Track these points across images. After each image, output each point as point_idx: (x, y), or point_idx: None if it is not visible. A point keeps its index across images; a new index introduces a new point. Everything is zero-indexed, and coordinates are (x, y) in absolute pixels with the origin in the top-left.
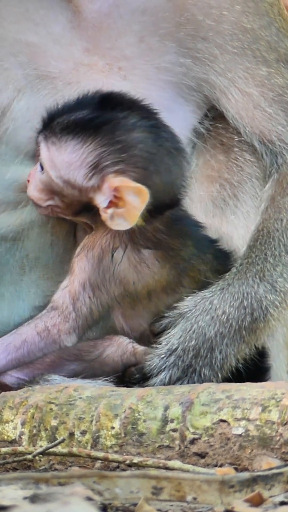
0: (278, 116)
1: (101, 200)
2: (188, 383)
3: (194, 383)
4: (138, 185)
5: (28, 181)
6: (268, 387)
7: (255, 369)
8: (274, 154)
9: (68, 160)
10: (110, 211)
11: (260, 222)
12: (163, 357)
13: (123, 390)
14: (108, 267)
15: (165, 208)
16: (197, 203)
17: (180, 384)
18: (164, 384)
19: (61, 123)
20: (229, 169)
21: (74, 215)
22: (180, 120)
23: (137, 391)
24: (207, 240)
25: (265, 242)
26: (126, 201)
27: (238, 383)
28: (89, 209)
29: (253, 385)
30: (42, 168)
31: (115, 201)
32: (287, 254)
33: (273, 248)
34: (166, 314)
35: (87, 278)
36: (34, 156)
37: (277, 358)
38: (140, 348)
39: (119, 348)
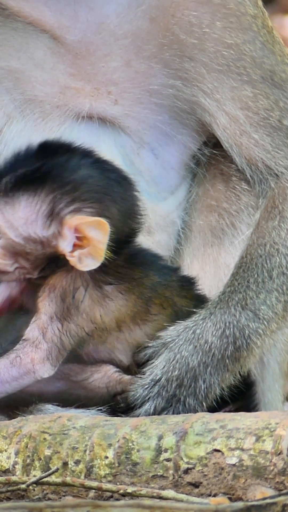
0: (264, 142)
1: (64, 245)
2: (173, 413)
3: (179, 413)
4: (97, 218)
5: None
6: (262, 417)
7: (240, 396)
8: (261, 180)
9: (23, 216)
10: (76, 253)
11: (244, 249)
12: (147, 387)
13: (116, 420)
14: (72, 304)
15: (127, 240)
16: (196, 233)
17: (165, 414)
18: (149, 415)
19: (8, 182)
20: (228, 198)
21: (41, 272)
22: (178, 144)
23: (130, 420)
24: (168, 269)
25: (248, 269)
26: (89, 238)
27: (232, 413)
28: (54, 261)
29: (247, 415)
30: None
31: (79, 243)
32: (270, 280)
33: (256, 275)
34: (149, 344)
35: (54, 312)
36: None
37: (272, 388)
38: (126, 377)
39: (105, 375)
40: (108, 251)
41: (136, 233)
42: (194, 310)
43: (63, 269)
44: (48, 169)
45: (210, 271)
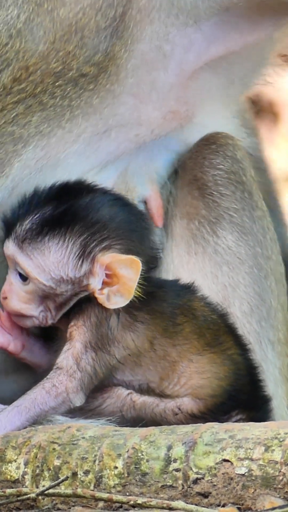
0: None
1: (95, 284)
2: None
3: None
4: (130, 256)
5: (5, 297)
6: (271, 427)
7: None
8: None
9: (54, 260)
10: (105, 291)
11: None
12: None
13: (126, 430)
14: (106, 333)
15: (149, 271)
16: (179, 241)
17: None
18: None
19: (32, 226)
20: (206, 205)
21: (64, 315)
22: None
23: (140, 431)
24: (174, 281)
25: None
26: (119, 276)
27: (241, 423)
28: (82, 301)
29: (256, 425)
30: (23, 279)
31: (107, 280)
32: None
33: None
34: None
35: (88, 341)
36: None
37: (276, 394)
38: (140, 400)
39: (118, 399)
40: (138, 289)
41: (156, 265)
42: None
43: (92, 300)
44: (74, 210)
45: (198, 280)
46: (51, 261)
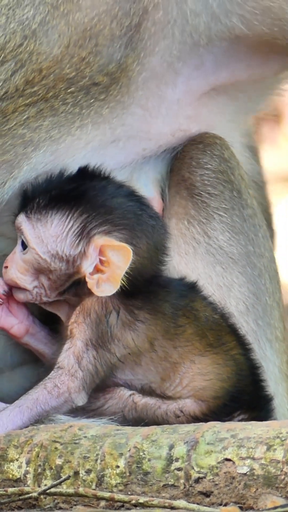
0: None
1: (87, 265)
2: None
3: None
4: (122, 244)
5: (6, 266)
6: (273, 426)
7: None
8: None
9: (54, 233)
10: (95, 276)
11: None
12: None
13: (128, 429)
14: (105, 330)
15: (148, 275)
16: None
17: None
18: None
19: (43, 199)
20: (195, 205)
21: (59, 294)
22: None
23: (142, 430)
24: (178, 281)
25: None
26: (110, 261)
27: (243, 422)
28: (74, 284)
29: (258, 424)
30: (24, 248)
31: (100, 267)
32: None
33: None
34: None
35: (89, 339)
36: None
37: (276, 392)
38: (142, 401)
39: (120, 400)
40: (124, 280)
41: (161, 270)
42: (214, 314)
43: (91, 296)
44: (85, 190)
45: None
46: (50, 234)
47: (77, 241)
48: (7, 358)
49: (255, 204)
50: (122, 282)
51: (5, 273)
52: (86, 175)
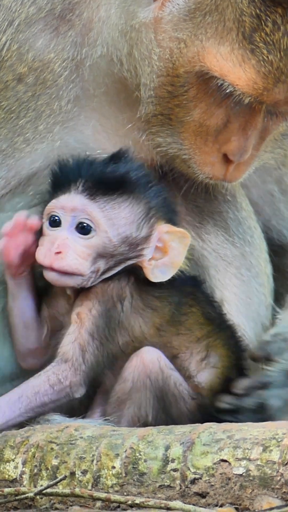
0: None
1: (147, 251)
2: None
3: None
4: (183, 230)
5: (59, 252)
6: (269, 427)
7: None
8: None
9: (124, 215)
10: (153, 262)
11: None
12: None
13: (124, 430)
14: (115, 316)
15: None
16: None
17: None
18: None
19: (105, 182)
20: (189, 210)
21: (102, 281)
22: None
23: (138, 431)
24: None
25: None
26: (170, 248)
27: (239, 423)
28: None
29: (254, 425)
30: (85, 232)
31: (156, 254)
32: None
33: None
34: (268, 339)
35: (96, 328)
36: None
37: None
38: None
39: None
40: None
41: None
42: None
43: (104, 281)
44: (140, 175)
45: None
46: (121, 216)
47: (142, 224)
48: (13, 366)
49: (249, 206)
50: (182, 266)
51: (58, 260)
52: (127, 160)
